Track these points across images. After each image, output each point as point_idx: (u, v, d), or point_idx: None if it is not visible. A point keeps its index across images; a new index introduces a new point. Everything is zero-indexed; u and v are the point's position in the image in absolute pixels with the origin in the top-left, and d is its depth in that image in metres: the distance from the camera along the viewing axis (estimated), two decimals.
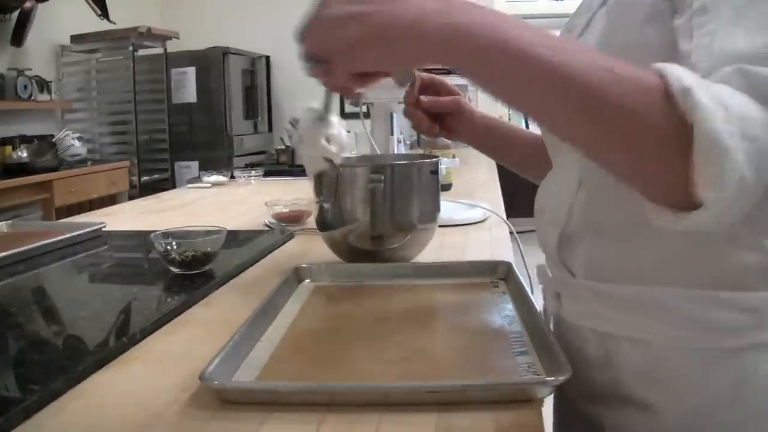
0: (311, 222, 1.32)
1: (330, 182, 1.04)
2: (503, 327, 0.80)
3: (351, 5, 0.58)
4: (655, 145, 0.52)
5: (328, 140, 0.78)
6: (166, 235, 1.07)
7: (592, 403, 0.76)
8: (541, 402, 0.61)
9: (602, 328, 0.73)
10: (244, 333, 0.73)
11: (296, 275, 1.00)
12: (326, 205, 1.07)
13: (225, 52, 5.03)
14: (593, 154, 0.57)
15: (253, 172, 2.55)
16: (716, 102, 0.49)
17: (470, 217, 1.50)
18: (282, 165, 3.04)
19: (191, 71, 5.04)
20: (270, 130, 5.68)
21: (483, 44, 0.54)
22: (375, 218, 1.03)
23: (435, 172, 1.11)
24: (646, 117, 0.51)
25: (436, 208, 1.13)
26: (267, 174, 2.61)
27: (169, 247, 1.05)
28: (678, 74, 0.50)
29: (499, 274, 1.00)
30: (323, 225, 1.10)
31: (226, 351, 0.68)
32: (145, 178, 4.76)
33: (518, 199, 2.28)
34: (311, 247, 1.29)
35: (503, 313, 0.85)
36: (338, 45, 0.60)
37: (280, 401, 0.61)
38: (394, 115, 1.70)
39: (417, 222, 1.08)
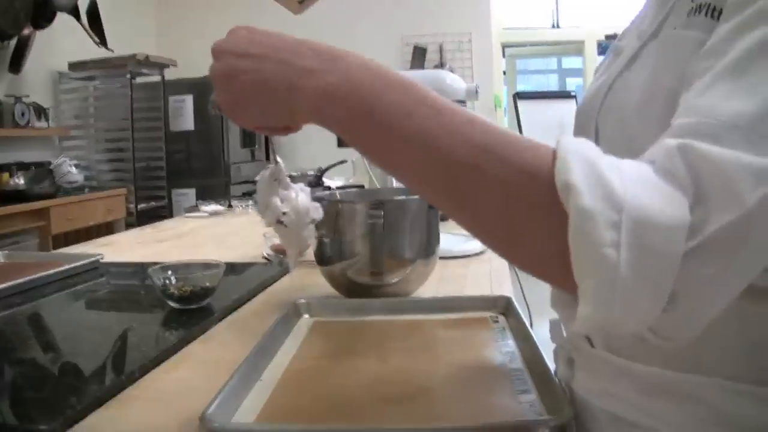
0: (309, 254, 1.32)
1: (329, 217, 1.05)
2: (504, 364, 0.80)
3: (235, 59, 0.58)
4: (534, 237, 0.48)
5: (281, 200, 0.71)
6: (165, 268, 1.07)
7: None
8: None
9: (619, 411, 0.61)
10: (243, 372, 0.73)
11: (295, 310, 1.00)
12: (326, 240, 1.07)
13: None
14: (474, 233, 0.53)
15: (251, 201, 2.55)
16: (605, 201, 0.43)
17: (469, 249, 1.51)
18: None
19: (189, 99, 5.06)
20: (267, 158, 5.69)
21: (349, 109, 0.53)
22: (374, 253, 1.04)
23: (433, 206, 1.12)
24: (518, 205, 0.48)
25: (436, 241, 1.13)
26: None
27: (167, 282, 1.05)
28: (566, 162, 0.45)
29: (498, 308, 1.00)
30: (322, 259, 1.11)
31: (225, 391, 0.68)
32: (142, 205, 4.76)
33: None
34: (310, 280, 1.29)
35: (504, 350, 0.84)
36: (223, 102, 0.60)
37: None
38: None
39: (417, 257, 1.09)
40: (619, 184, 0.43)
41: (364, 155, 0.56)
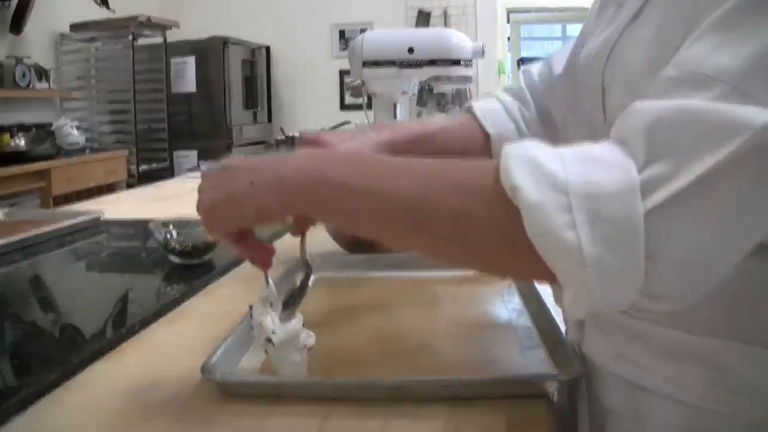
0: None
1: None
2: (511, 321, 0.78)
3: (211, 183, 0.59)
4: (498, 247, 0.48)
5: (272, 321, 0.67)
6: (166, 224, 1.05)
7: None
8: (551, 399, 0.59)
9: (633, 377, 0.59)
10: (246, 325, 0.71)
11: (298, 265, 0.98)
12: None
13: (225, 41, 4.99)
14: (452, 264, 0.56)
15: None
16: (552, 189, 0.43)
17: None
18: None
19: (191, 61, 4.99)
20: (269, 120, 5.64)
21: (303, 194, 0.54)
22: None
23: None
24: (479, 221, 0.48)
25: None
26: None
27: (168, 237, 1.03)
28: (508, 168, 0.45)
29: None
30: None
31: (228, 343, 0.66)
32: (144, 167, 4.72)
33: None
34: (313, 238, 1.26)
35: (510, 307, 0.83)
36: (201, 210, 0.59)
37: (284, 395, 0.59)
38: (398, 105, 1.68)
39: None
40: (561, 170, 0.44)
41: (331, 222, 0.61)
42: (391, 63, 1.57)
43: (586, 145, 0.47)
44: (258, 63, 5.46)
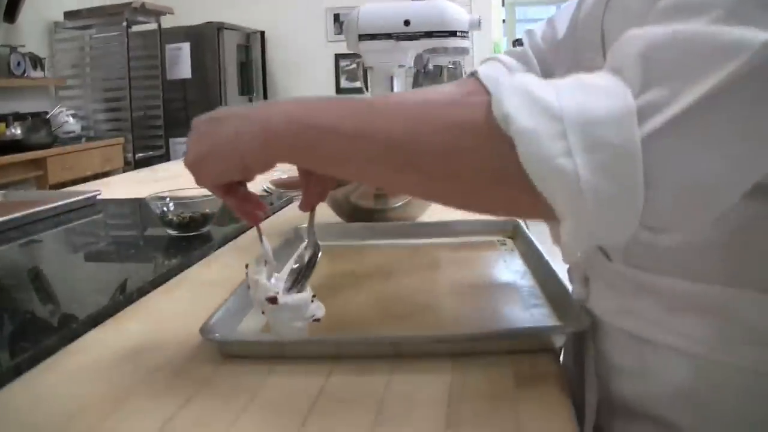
0: None
1: None
2: (514, 282, 0.76)
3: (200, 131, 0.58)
4: (492, 182, 0.46)
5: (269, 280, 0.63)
6: (163, 197, 1.03)
7: (608, 412, 0.62)
8: (558, 354, 0.58)
9: (640, 331, 0.57)
10: (245, 288, 0.69)
11: (297, 235, 0.97)
12: None
13: (220, 27, 4.94)
14: (446, 203, 0.53)
15: None
16: (545, 116, 0.42)
17: None
18: None
19: (186, 47, 4.95)
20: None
21: (288, 140, 0.53)
22: None
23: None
24: (471, 156, 0.46)
25: None
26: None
27: (166, 209, 1.01)
28: (500, 98, 0.44)
29: (506, 232, 0.96)
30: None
31: (228, 305, 0.65)
32: (140, 154, 4.69)
33: None
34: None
35: (513, 269, 0.81)
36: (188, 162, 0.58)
37: (284, 354, 0.58)
38: (395, 79, 1.65)
39: None
40: (554, 98, 0.42)
41: (318, 168, 0.57)
42: (388, 36, 1.54)
43: (581, 75, 0.45)
44: (253, 48, 5.42)
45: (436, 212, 1.13)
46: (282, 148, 0.53)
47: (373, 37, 1.56)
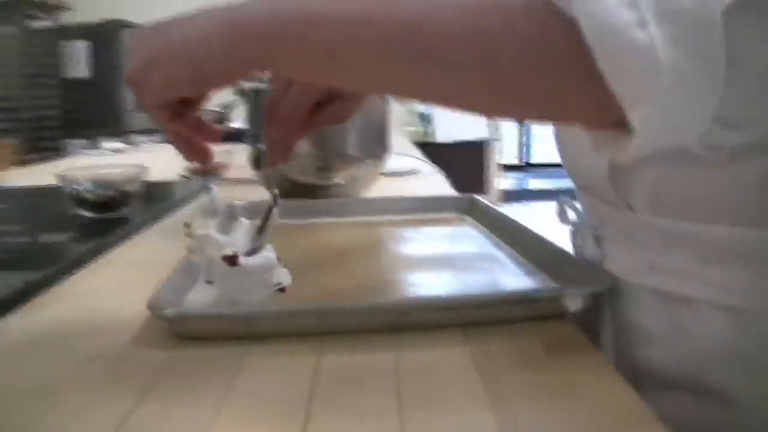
0: (238, 172, 1.15)
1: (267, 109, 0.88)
2: (491, 252, 0.67)
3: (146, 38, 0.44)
4: (535, 70, 0.36)
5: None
6: (76, 176, 0.87)
7: (634, 385, 0.52)
8: (574, 318, 0.48)
9: (672, 288, 0.48)
10: (186, 267, 0.55)
11: (231, 213, 0.83)
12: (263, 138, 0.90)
13: (119, 25, 4.65)
14: (469, 108, 0.41)
15: (155, 137, 2.31)
16: None
17: (401, 166, 1.37)
18: None
19: (84, 45, 4.62)
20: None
21: (265, 33, 0.40)
22: (321, 146, 0.88)
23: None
24: (510, 37, 0.35)
25: (387, 142, 0.99)
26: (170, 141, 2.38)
27: (78, 188, 0.85)
28: None
29: (461, 209, 0.86)
30: (259, 161, 0.94)
31: (175, 278, 0.51)
32: (34, 155, 4.33)
33: None
34: (237, 197, 1.11)
35: (485, 240, 0.72)
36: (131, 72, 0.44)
37: (257, 332, 0.45)
38: None
39: (366, 155, 0.94)
40: None
41: (306, 71, 0.42)
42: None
43: None
44: None
45: (379, 190, 1.02)
46: (257, 43, 0.39)
47: None
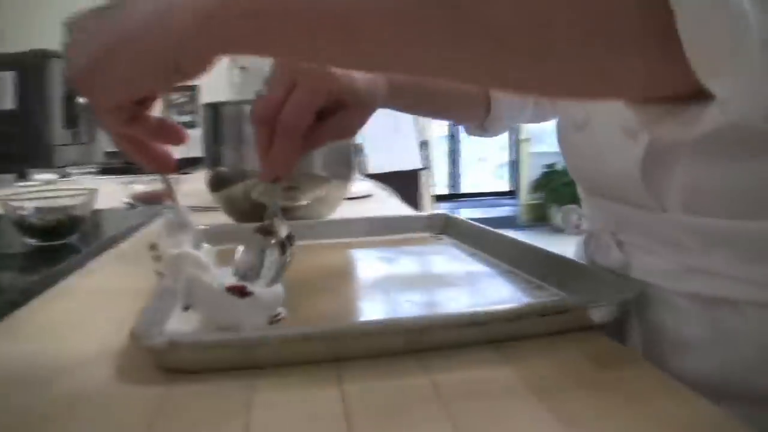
0: (192, 198, 1.07)
1: (230, 126, 0.82)
2: (485, 271, 0.62)
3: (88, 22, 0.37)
4: (605, 36, 0.30)
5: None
6: (20, 200, 0.78)
7: None
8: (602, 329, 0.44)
9: (713, 290, 0.45)
10: (163, 295, 0.48)
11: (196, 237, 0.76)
12: (226, 154, 0.84)
13: (46, 55, 4.46)
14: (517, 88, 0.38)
15: (89, 168, 2.19)
16: None
17: (357, 190, 1.32)
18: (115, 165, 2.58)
19: (10, 75, 4.40)
20: (93, 140, 5.11)
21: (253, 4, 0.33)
22: None
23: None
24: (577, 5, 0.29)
25: (352, 163, 0.94)
26: (104, 172, 2.26)
27: (22, 212, 0.76)
28: None
29: (435, 228, 0.81)
30: (219, 182, 0.87)
31: (156, 303, 0.44)
32: None
33: None
34: (197, 220, 1.04)
35: (472, 257, 0.67)
36: (78, 69, 0.36)
37: (266, 361, 0.38)
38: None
39: (333, 175, 0.88)
40: None
41: (298, 52, 0.35)
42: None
43: None
44: None
45: (343, 212, 0.97)
46: (244, 17, 0.31)
47: None
